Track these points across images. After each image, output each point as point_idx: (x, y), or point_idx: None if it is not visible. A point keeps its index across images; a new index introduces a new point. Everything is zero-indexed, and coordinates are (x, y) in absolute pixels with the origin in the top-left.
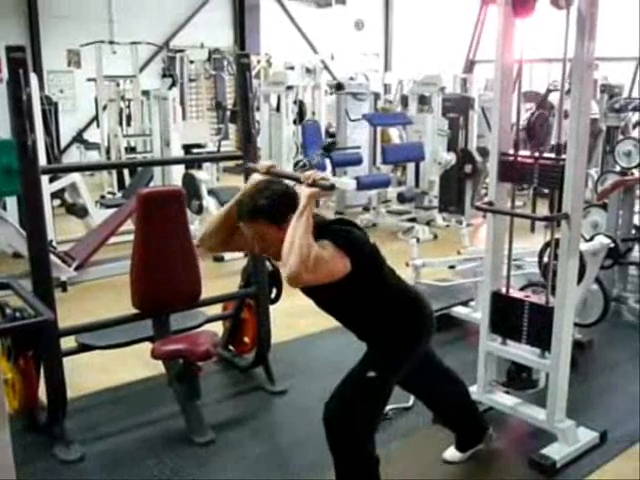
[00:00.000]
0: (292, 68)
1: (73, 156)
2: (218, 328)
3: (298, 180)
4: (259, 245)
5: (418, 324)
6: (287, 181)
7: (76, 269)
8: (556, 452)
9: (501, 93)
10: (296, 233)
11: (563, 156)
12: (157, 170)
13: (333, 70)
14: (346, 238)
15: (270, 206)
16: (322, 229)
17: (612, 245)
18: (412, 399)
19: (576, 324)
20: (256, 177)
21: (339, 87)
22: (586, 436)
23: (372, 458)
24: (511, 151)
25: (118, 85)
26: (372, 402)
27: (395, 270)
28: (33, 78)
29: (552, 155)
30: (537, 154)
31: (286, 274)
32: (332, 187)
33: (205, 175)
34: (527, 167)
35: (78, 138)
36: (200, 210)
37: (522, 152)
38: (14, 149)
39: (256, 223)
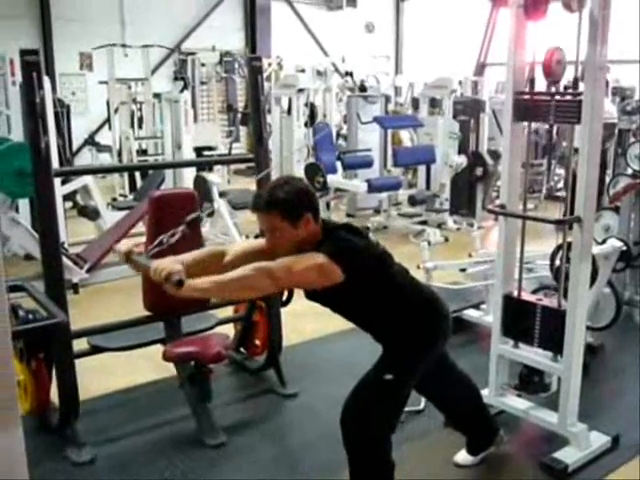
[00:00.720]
0: (303, 71)
1: (85, 158)
2: (229, 330)
3: (148, 270)
4: (270, 239)
5: (434, 325)
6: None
7: (88, 271)
8: (568, 456)
9: (513, 87)
10: (227, 288)
11: (580, 90)
12: (168, 172)
13: (346, 69)
14: (339, 248)
15: (287, 200)
16: (326, 236)
17: (624, 248)
18: (423, 402)
19: (588, 327)
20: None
21: (362, 89)
22: (598, 440)
23: (388, 462)
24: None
25: (130, 88)
26: (389, 405)
27: (409, 271)
28: (46, 81)
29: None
30: (553, 90)
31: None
32: (180, 283)
33: (216, 178)
34: (543, 104)
35: (90, 141)
36: (212, 212)
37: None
38: (27, 152)
39: (271, 215)
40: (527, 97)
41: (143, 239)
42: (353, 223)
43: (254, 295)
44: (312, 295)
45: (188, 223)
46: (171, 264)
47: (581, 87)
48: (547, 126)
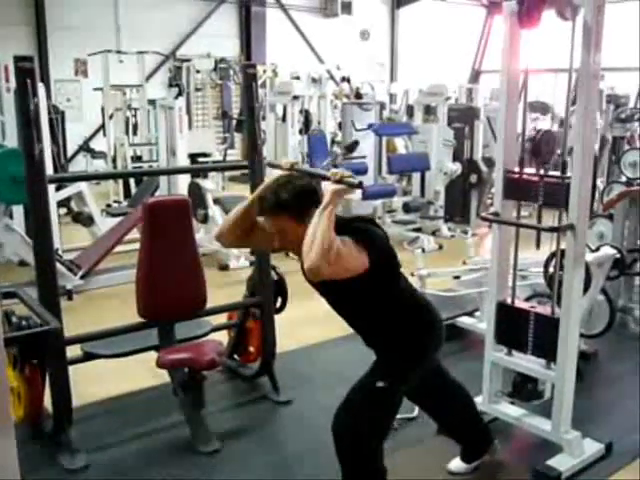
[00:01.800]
0: (298, 78)
1: (79, 164)
2: (223, 337)
3: (325, 177)
4: (279, 240)
5: (428, 334)
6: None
7: (82, 277)
8: (561, 463)
9: (507, 104)
10: (318, 227)
11: (568, 174)
12: (163, 179)
13: (343, 75)
14: (366, 234)
15: (292, 201)
16: (342, 226)
17: (618, 256)
18: (417, 410)
19: (582, 335)
20: (279, 173)
21: (358, 96)
22: (592, 447)
23: (380, 469)
24: (517, 169)
25: (125, 94)
26: (381, 412)
27: (407, 278)
28: (41, 88)
29: (557, 173)
30: (542, 172)
31: (306, 266)
32: (359, 185)
33: (211, 184)
34: (532, 185)
35: (85, 147)
36: (206, 219)
37: (527, 169)
38: (21, 158)
39: (278, 217)
40: (517, 176)
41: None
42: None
43: (317, 257)
44: (320, 284)
45: (347, 147)
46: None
47: (569, 172)
48: None
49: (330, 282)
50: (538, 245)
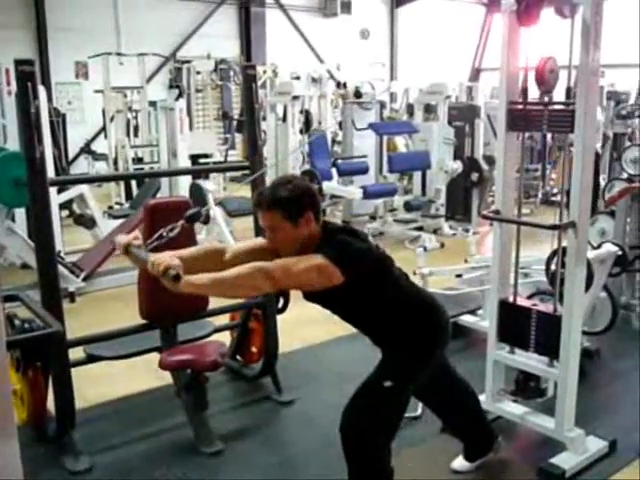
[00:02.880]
0: (298, 78)
1: (81, 167)
2: (226, 338)
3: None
4: (269, 238)
5: (434, 332)
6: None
7: (84, 280)
8: (565, 461)
9: (507, 100)
10: (224, 286)
11: (573, 100)
12: (164, 180)
13: (340, 79)
14: (339, 251)
15: (289, 199)
16: (327, 237)
17: (620, 253)
18: (420, 408)
19: (584, 332)
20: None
21: (357, 95)
22: (595, 445)
23: (387, 469)
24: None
25: (125, 96)
26: (389, 412)
27: (409, 277)
28: (41, 90)
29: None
30: (546, 99)
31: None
32: (178, 278)
33: (212, 185)
34: (537, 114)
35: (86, 149)
36: (207, 220)
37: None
38: (23, 161)
39: (272, 213)
40: (520, 107)
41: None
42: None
43: (252, 294)
44: (312, 296)
45: (187, 218)
46: (169, 258)
47: (574, 96)
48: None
49: (325, 296)
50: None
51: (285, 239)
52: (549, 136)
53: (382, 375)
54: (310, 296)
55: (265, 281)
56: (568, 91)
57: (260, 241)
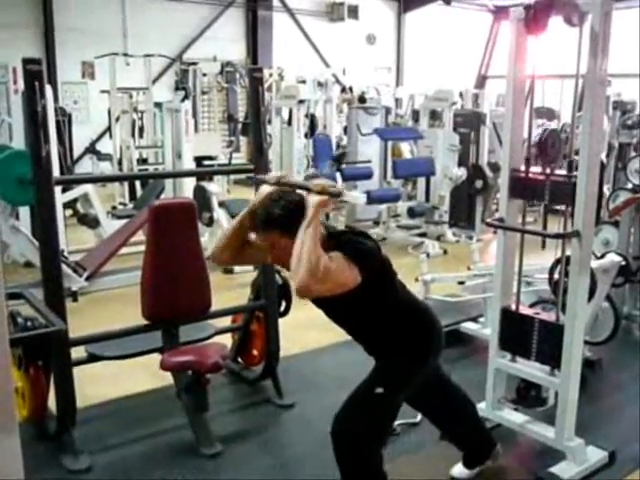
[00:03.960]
0: (304, 82)
1: (86, 167)
2: (227, 340)
3: (308, 189)
4: (272, 255)
5: (427, 340)
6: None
7: (87, 279)
8: (565, 471)
9: (513, 109)
10: (305, 244)
11: (575, 173)
12: (168, 181)
13: (346, 83)
14: (356, 249)
15: (284, 217)
16: (333, 240)
17: (623, 263)
18: (419, 415)
19: (586, 342)
20: (265, 189)
21: (362, 100)
22: (595, 455)
23: (379, 474)
24: (522, 168)
25: (131, 97)
26: (379, 418)
27: (405, 285)
28: (48, 90)
29: (564, 172)
30: (548, 171)
31: (295, 285)
32: (340, 194)
33: (216, 187)
34: (538, 184)
35: (91, 149)
36: (210, 222)
37: (533, 169)
38: (28, 160)
39: (270, 233)
40: (523, 175)
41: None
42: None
43: (304, 277)
44: (320, 301)
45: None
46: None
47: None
48: None
49: (333, 301)
50: (544, 246)
51: (288, 255)
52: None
53: (375, 382)
54: (321, 301)
55: (317, 274)
56: (570, 164)
57: None
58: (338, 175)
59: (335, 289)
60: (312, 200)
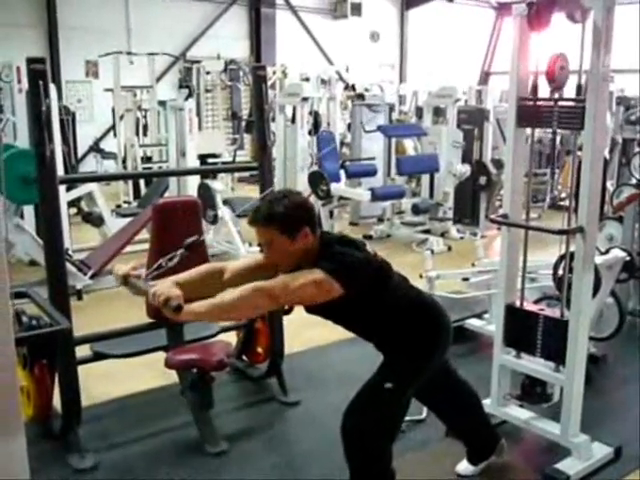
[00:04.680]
0: (307, 79)
1: (90, 165)
2: (232, 338)
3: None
4: (268, 253)
5: (435, 334)
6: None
7: (92, 277)
8: (570, 467)
9: (517, 91)
10: (225, 310)
11: (583, 97)
12: (172, 179)
13: (349, 81)
14: (338, 262)
15: (285, 215)
16: (324, 250)
17: (628, 258)
18: (425, 412)
19: (591, 338)
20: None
21: (360, 97)
22: (601, 451)
23: (388, 471)
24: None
25: (135, 95)
26: (390, 413)
27: (408, 280)
28: (52, 89)
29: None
30: (557, 96)
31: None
32: (179, 309)
33: (220, 185)
34: (547, 110)
35: (95, 147)
36: (215, 220)
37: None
38: (32, 158)
39: (269, 229)
40: (530, 103)
41: (143, 260)
42: (355, 232)
43: (254, 314)
44: (313, 309)
45: (187, 247)
46: (168, 289)
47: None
48: (551, 135)
49: (325, 308)
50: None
51: (282, 254)
52: (558, 140)
53: (383, 377)
54: (311, 309)
55: (265, 300)
56: (579, 88)
57: (257, 258)
58: (342, 172)
59: (300, 302)
60: (152, 295)
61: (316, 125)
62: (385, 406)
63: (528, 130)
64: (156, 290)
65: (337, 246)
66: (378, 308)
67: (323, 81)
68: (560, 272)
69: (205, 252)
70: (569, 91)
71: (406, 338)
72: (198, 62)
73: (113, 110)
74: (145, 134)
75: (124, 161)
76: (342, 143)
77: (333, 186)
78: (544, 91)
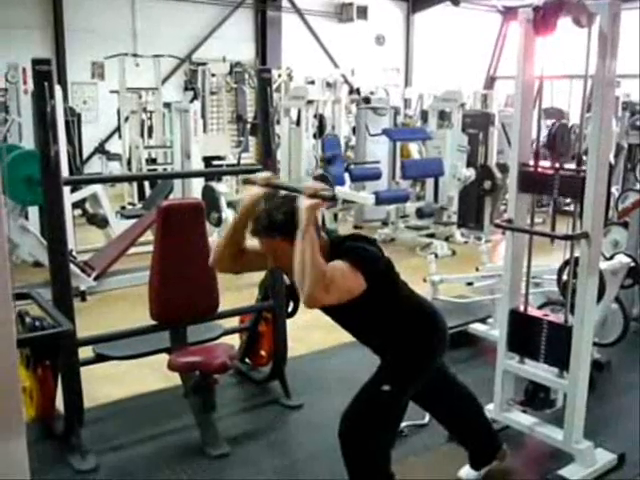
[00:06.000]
0: (313, 82)
1: (95, 166)
2: (235, 341)
3: (298, 191)
4: (273, 261)
5: (432, 338)
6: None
7: (95, 279)
8: (573, 473)
9: (522, 109)
10: (305, 254)
11: (584, 167)
12: (177, 181)
13: (354, 84)
14: (359, 255)
15: (286, 222)
16: (336, 247)
17: (632, 264)
18: (427, 416)
19: (595, 344)
20: (255, 190)
21: (367, 100)
22: (604, 458)
23: (387, 474)
24: (531, 162)
25: (140, 97)
26: (386, 416)
27: (408, 284)
28: (57, 90)
29: (573, 166)
30: (557, 165)
31: (304, 299)
32: (333, 197)
33: (224, 187)
34: (548, 177)
35: (100, 149)
36: (219, 222)
37: (542, 163)
38: (37, 159)
39: (271, 239)
40: (532, 170)
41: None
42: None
43: (310, 289)
44: (327, 308)
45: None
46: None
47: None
48: None
49: (334, 306)
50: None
51: (289, 261)
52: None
53: (381, 379)
54: (325, 307)
55: (323, 289)
56: (579, 158)
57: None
58: (347, 175)
59: (342, 297)
60: (304, 203)
61: (321, 128)
62: (382, 409)
63: (534, 134)
64: (311, 184)
65: (350, 242)
66: (382, 307)
67: (328, 84)
68: (564, 277)
69: (209, 254)
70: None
71: (403, 340)
72: (204, 64)
73: (118, 112)
74: (150, 136)
75: (129, 163)
76: (347, 146)
77: (338, 189)
78: (550, 92)
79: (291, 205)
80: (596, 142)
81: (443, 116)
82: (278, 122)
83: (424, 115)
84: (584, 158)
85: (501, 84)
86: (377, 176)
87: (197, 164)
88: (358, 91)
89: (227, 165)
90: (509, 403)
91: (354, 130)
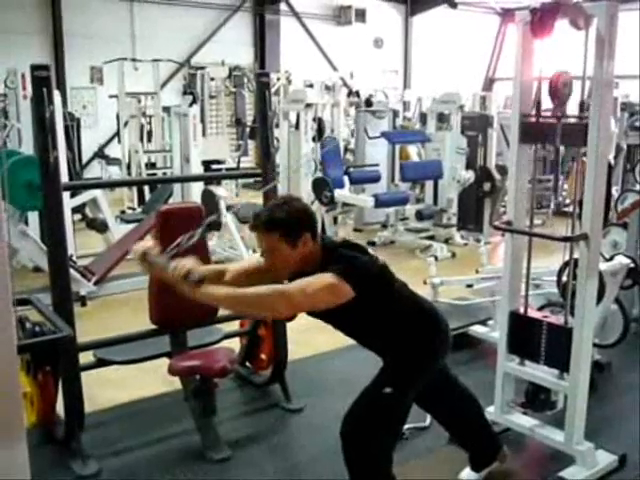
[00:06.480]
0: (311, 86)
1: (94, 171)
2: (235, 345)
3: (166, 270)
4: (268, 259)
5: (434, 339)
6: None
7: (95, 284)
8: (574, 475)
9: (520, 107)
10: (233, 304)
11: (586, 114)
12: (177, 185)
13: (353, 87)
14: (348, 263)
15: (286, 221)
16: (329, 252)
17: (632, 265)
18: (429, 419)
19: (595, 345)
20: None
21: (368, 103)
22: (605, 459)
23: (388, 476)
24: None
25: (139, 102)
26: (389, 418)
27: (408, 285)
28: (57, 95)
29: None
30: (559, 113)
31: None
32: (200, 282)
33: (224, 191)
34: (549, 127)
35: (99, 153)
36: (219, 227)
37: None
38: (37, 165)
39: (270, 236)
40: (533, 120)
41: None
42: (359, 238)
43: (266, 314)
44: (315, 312)
45: (208, 225)
46: (191, 263)
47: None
48: None
49: (328, 312)
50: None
51: (283, 260)
52: (562, 146)
53: (382, 382)
54: (314, 312)
55: (282, 303)
56: (581, 105)
57: (255, 261)
58: (346, 178)
59: (317, 307)
60: (174, 268)
61: (320, 131)
62: (384, 411)
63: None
64: (179, 263)
65: (341, 249)
66: (380, 311)
67: (327, 87)
68: (564, 279)
69: (209, 258)
70: (573, 102)
71: (405, 342)
72: (202, 68)
73: (117, 116)
74: (149, 140)
75: (128, 167)
76: (346, 149)
77: (337, 192)
78: (548, 102)
79: (294, 205)
80: (595, 143)
81: (442, 118)
82: (277, 125)
83: (423, 117)
84: (586, 104)
85: (500, 86)
86: (376, 179)
87: (196, 168)
88: (358, 94)
89: (226, 169)
90: (510, 405)
91: (353, 133)
